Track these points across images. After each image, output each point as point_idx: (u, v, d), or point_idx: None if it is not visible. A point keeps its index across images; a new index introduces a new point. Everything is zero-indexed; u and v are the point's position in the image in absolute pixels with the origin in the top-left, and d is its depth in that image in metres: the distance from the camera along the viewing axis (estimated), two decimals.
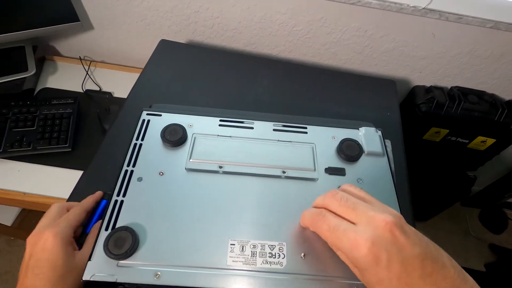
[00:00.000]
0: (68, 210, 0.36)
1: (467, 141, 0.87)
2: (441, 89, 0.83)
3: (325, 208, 0.27)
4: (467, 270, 0.25)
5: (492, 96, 0.82)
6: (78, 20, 0.80)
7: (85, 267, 0.30)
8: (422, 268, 0.21)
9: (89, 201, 0.38)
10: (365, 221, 0.23)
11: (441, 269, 0.22)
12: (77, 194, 0.46)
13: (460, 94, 0.80)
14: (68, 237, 0.32)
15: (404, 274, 0.21)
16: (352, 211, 0.24)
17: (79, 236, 0.35)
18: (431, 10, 0.66)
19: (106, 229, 0.32)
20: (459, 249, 1.29)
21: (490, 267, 1.24)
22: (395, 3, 0.66)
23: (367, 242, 0.21)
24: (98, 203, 0.37)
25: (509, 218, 1.34)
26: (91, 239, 0.34)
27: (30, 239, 0.32)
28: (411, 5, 0.66)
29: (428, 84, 0.86)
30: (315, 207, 0.29)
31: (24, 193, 0.66)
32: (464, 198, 1.29)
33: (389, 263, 0.21)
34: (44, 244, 0.31)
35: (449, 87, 0.85)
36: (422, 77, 0.85)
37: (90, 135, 0.76)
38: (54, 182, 0.68)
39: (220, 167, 0.38)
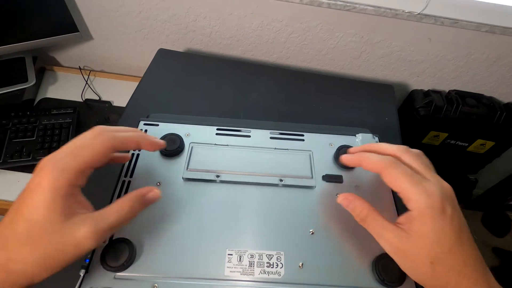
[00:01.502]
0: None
1: (467, 144, 0.86)
2: (439, 92, 0.83)
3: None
4: None
5: (490, 99, 0.82)
6: (78, 31, 0.80)
7: (82, 278, 0.30)
8: (467, 233, 0.27)
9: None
10: (437, 181, 0.28)
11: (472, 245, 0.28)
12: None
13: (458, 97, 0.80)
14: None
15: (458, 232, 0.26)
16: (426, 169, 0.29)
17: None
18: (426, 15, 0.67)
19: (103, 241, 0.32)
20: None
21: (494, 270, 1.22)
22: (390, 9, 0.66)
23: (440, 194, 0.26)
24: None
25: None
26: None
27: None
28: (406, 11, 0.66)
29: (426, 88, 0.86)
30: (368, 151, 0.33)
31: None
32: (466, 201, 1.28)
33: (452, 217, 0.26)
34: None
35: (447, 90, 0.85)
36: (419, 81, 0.85)
37: None
38: None
39: (217, 176, 0.38)
